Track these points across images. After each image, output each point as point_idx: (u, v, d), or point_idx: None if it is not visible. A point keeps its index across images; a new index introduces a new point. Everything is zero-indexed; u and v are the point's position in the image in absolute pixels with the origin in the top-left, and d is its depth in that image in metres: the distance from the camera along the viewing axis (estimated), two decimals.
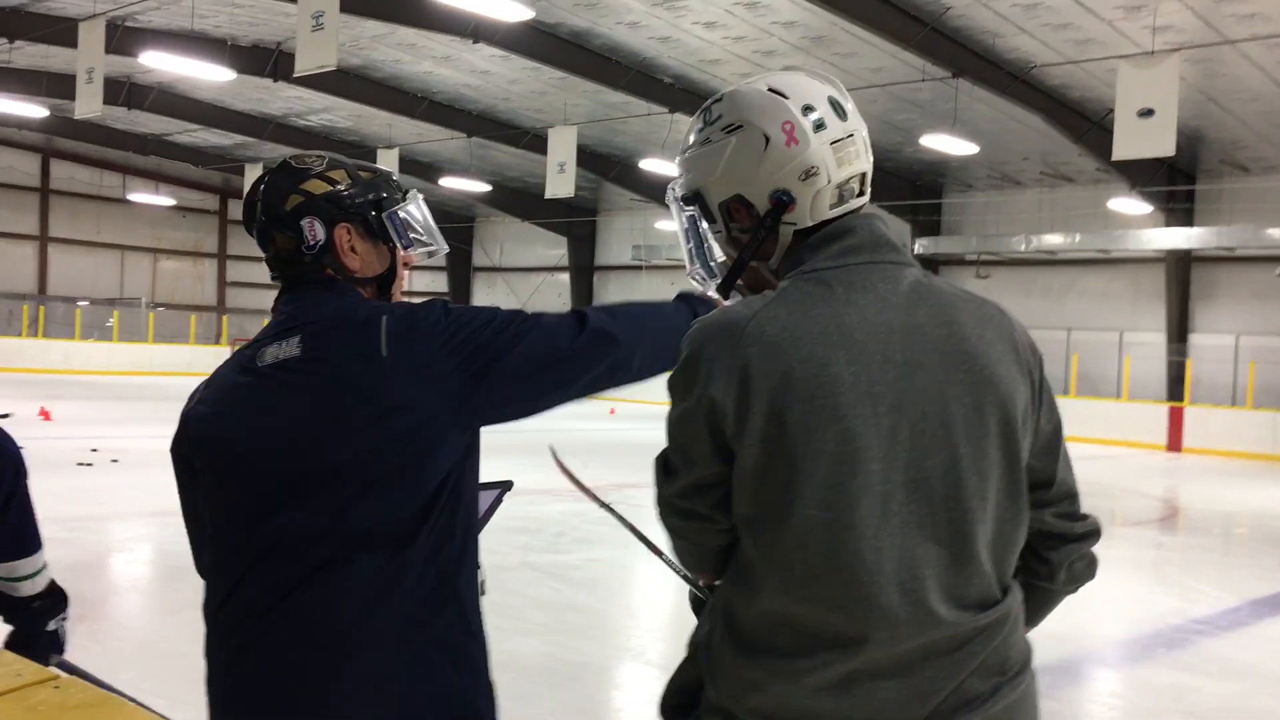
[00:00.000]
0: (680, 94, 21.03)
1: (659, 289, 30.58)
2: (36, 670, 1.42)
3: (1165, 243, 22.19)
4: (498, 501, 1.99)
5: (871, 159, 1.61)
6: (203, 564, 1.93)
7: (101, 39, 17.43)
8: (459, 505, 1.83)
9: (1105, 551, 6.62)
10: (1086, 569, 1.62)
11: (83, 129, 28.08)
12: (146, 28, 20.20)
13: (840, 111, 1.56)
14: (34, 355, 28.67)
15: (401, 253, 1.97)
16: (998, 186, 25.60)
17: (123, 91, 24.62)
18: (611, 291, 33.26)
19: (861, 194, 1.59)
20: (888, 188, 25.62)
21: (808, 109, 1.53)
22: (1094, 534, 1.60)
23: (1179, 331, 23.25)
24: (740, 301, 1.51)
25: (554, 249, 34.23)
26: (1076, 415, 22.93)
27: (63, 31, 19.01)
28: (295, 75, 15.52)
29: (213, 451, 1.85)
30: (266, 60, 21.66)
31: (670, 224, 24.27)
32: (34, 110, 23.87)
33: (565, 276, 33.95)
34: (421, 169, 29.05)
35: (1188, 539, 11.17)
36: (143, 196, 34.93)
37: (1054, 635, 6.25)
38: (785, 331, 1.41)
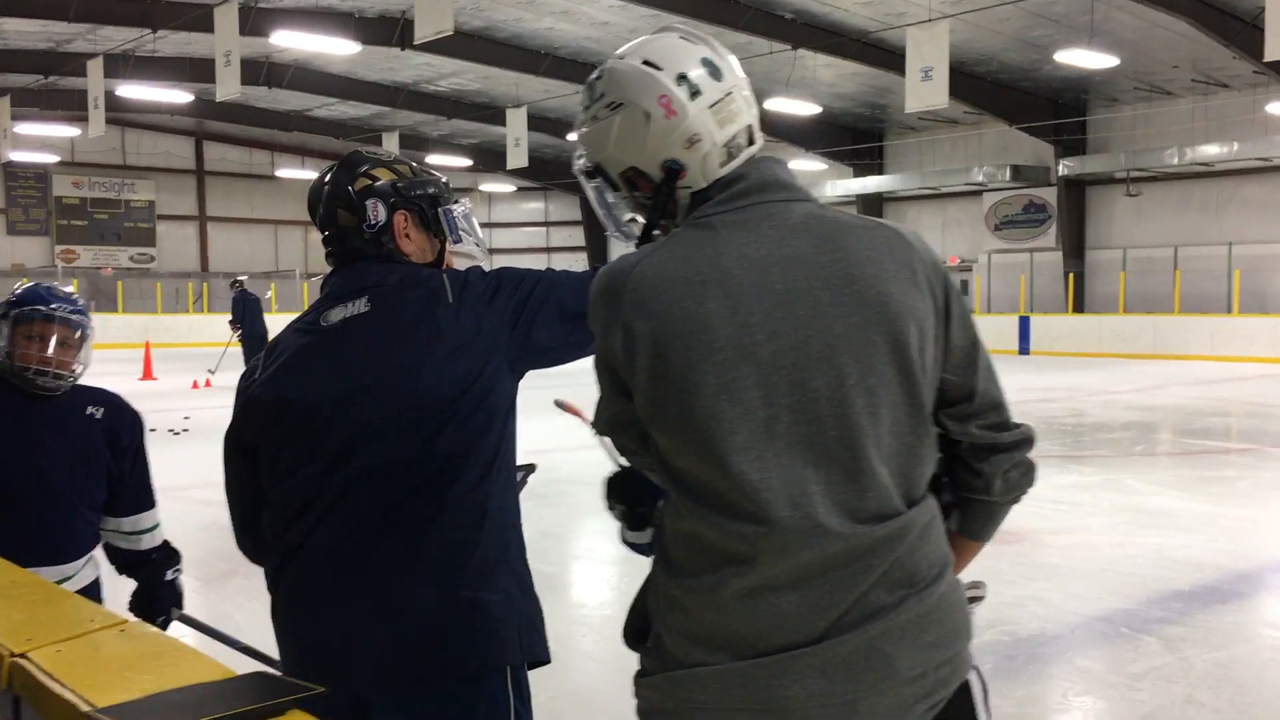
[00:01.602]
0: (803, 29, 20.63)
1: None
2: (107, 616, 1.55)
3: None
4: (522, 483, 2.15)
5: (755, 109, 1.64)
6: (258, 538, 2.06)
7: (235, 22, 18.11)
8: (513, 448, 2.03)
9: (1266, 474, 6.44)
10: (1023, 477, 1.62)
11: (229, 110, 29.23)
12: (277, 8, 20.86)
13: (715, 72, 1.59)
14: (200, 330, 30.18)
15: (449, 247, 2.15)
16: (1146, 98, 24.32)
17: (262, 71, 25.55)
18: None
19: (752, 143, 1.63)
20: (1027, 108, 24.65)
21: (681, 78, 1.57)
22: (1024, 442, 1.61)
23: None
24: (636, 250, 1.59)
25: None
26: (1239, 333, 21.82)
27: (199, 18, 19.79)
28: (416, 42, 15.83)
29: (278, 408, 1.98)
30: (393, 30, 22.12)
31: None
32: (181, 96, 25.02)
33: None
34: (551, 125, 29.30)
35: None
36: (290, 172, 36.22)
37: (1194, 561, 6.06)
38: (664, 275, 1.49)
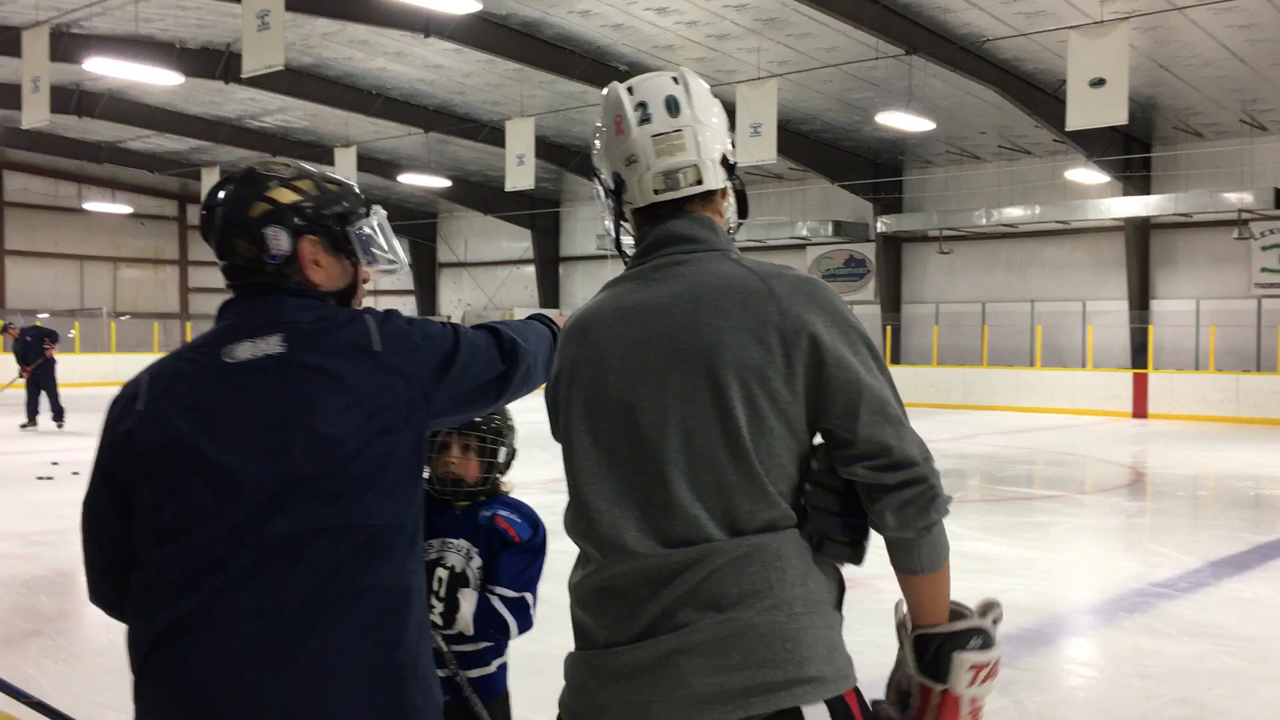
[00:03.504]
0: None
1: None
2: None
3: (1123, 211, 22.35)
4: None
5: (706, 152, 1.78)
6: (122, 587, 1.81)
7: (45, 47, 17.19)
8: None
9: (1073, 520, 6.76)
10: (921, 511, 1.68)
11: (34, 139, 27.71)
12: (91, 34, 19.92)
13: (673, 109, 1.78)
14: None
15: (364, 268, 1.94)
16: (957, 161, 25.70)
17: (73, 99, 24.30)
18: (578, 282, 33.16)
19: (699, 183, 1.78)
20: (848, 166, 25.68)
21: (640, 105, 1.78)
22: (913, 482, 1.67)
23: (1140, 299, 23.44)
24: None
25: (518, 242, 34.11)
26: (1041, 385, 23.11)
27: (6, 41, 18.71)
28: (243, 76, 15.36)
29: (168, 451, 1.71)
30: (216, 62, 21.42)
31: None
32: None
33: (531, 269, 33.83)
34: (380, 166, 28.87)
35: (1154, 504, 11.26)
36: (99, 205, 34.51)
37: (1018, 605, 6.29)
38: (579, 321, 1.82)
